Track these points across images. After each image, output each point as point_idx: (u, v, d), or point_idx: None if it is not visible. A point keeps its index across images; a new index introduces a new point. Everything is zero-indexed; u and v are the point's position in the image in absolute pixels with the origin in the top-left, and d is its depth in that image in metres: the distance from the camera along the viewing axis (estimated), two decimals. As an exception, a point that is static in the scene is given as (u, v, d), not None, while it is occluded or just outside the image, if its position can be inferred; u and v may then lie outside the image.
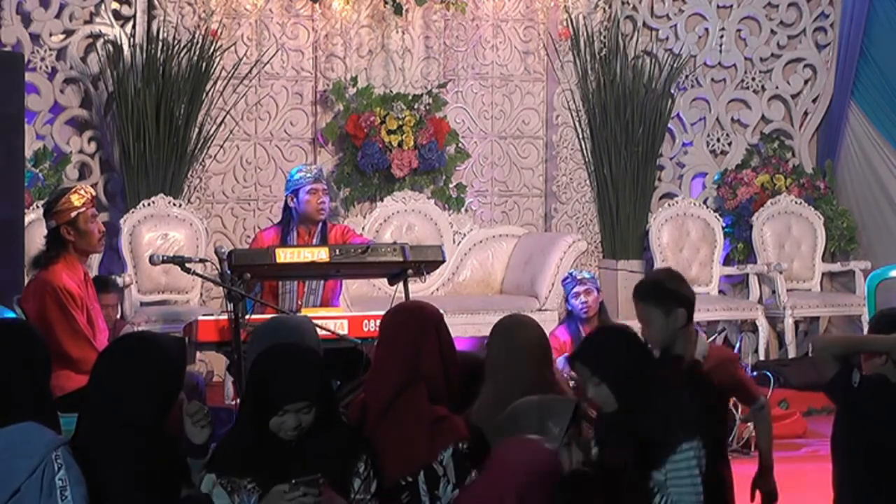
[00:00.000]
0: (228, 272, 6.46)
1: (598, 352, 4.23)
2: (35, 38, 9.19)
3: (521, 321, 4.73)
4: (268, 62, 9.53)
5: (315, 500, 3.90)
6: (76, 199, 6.12)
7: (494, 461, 3.91)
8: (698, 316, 9.55)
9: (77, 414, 5.48)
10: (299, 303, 7.52)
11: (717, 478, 4.68)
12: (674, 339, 4.70)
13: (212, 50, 9.22)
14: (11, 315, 6.10)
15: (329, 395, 4.23)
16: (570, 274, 8.44)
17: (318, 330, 6.14)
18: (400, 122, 9.46)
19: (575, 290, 8.26)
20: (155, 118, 9.05)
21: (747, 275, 10.13)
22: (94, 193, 6.32)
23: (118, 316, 8.38)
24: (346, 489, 4.17)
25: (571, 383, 5.86)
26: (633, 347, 4.25)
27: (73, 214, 6.09)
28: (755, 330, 9.94)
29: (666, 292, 4.79)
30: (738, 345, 8.73)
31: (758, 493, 4.90)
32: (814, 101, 10.63)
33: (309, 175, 7.57)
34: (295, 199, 7.56)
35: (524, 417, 4.07)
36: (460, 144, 9.89)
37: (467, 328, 8.84)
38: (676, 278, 4.94)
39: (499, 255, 9.64)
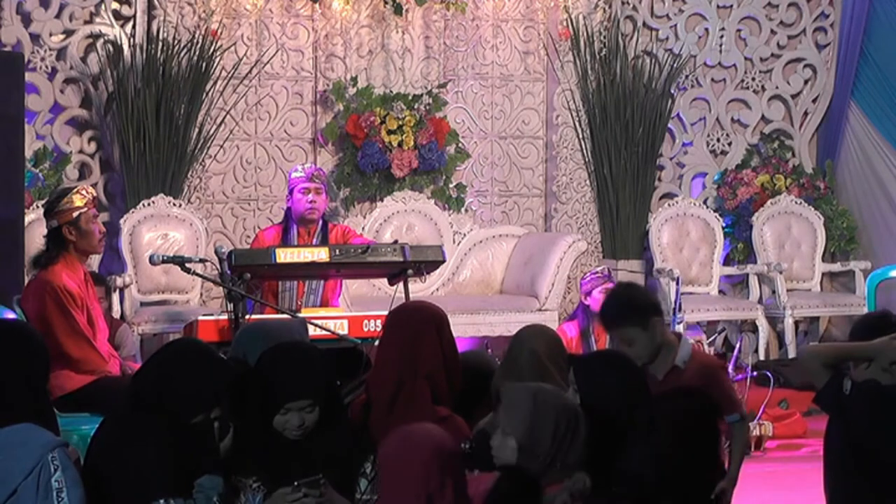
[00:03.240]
0: (228, 272, 6.48)
1: (594, 376, 4.18)
2: (35, 38, 9.19)
3: (540, 329, 4.72)
4: (268, 62, 9.53)
5: (317, 500, 3.89)
6: (78, 199, 6.12)
7: (386, 464, 3.86)
8: (699, 316, 9.69)
9: (81, 412, 5.51)
10: (299, 303, 7.53)
11: (713, 488, 4.66)
12: (658, 350, 4.65)
13: (212, 50, 9.22)
14: (11, 315, 6.10)
15: (334, 394, 4.22)
16: (601, 270, 8.44)
17: (318, 330, 6.16)
18: (400, 122, 9.46)
19: (606, 285, 8.27)
20: (155, 118, 9.05)
21: (747, 275, 10.14)
22: (95, 194, 6.32)
23: (118, 316, 8.38)
24: (352, 489, 4.17)
25: None
26: (629, 389, 4.18)
27: (75, 214, 6.09)
28: (755, 330, 9.95)
29: (637, 307, 4.69)
30: (737, 345, 8.72)
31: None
32: (814, 101, 10.63)
33: (302, 174, 7.63)
34: (290, 199, 7.63)
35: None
36: (460, 144, 9.89)
37: (467, 328, 8.84)
38: (639, 289, 4.90)
39: (499, 255, 9.64)
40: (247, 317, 6.41)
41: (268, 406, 4.10)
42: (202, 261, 7.13)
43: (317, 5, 9.61)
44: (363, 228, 9.11)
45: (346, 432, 4.19)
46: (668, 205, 10.07)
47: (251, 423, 4.13)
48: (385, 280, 7.43)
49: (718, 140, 10.54)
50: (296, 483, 3.89)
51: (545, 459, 3.86)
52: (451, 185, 9.87)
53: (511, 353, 4.60)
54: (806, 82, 10.63)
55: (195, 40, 9.19)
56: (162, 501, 3.82)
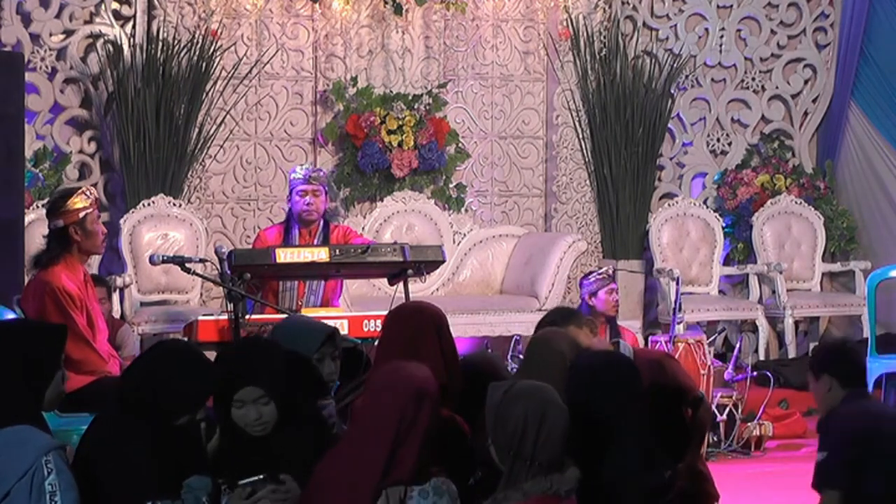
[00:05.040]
0: (228, 272, 6.48)
1: (589, 376, 4.19)
2: (35, 38, 9.19)
3: (562, 333, 4.72)
4: (268, 62, 9.53)
5: (283, 496, 3.90)
6: (83, 200, 6.13)
7: (373, 387, 3.97)
8: (699, 316, 9.69)
9: (81, 412, 5.52)
10: (299, 303, 7.54)
11: (691, 474, 4.65)
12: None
13: (212, 50, 9.22)
14: (12, 315, 6.10)
15: (294, 389, 4.19)
16: (605, 271, 8.44)
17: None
18: (400, 122, 9.46)
19: (611, 286, 8.27)
20: (155, 118, 9.05)
21: (747, 275, 10.14)
22: (98, 195, 6.33)
23: (118, 316, 8.38)
24: None
25: None
26: (622, 390, 4.18)
27: (82, 214, 6.10)
28: (755, 330, 9.95)
29: (571, 312, 5.11)
30: (737, 345, 8.72)
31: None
32: (814, 101, 10.63)
33: (300, 176, 7.64)
34: (290, 200, 7.65)
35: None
36: (460, 144, 9.89)
37: (467, 328, 8.84)
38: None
39: (499, 255, 9.64)
40: (247, 317, 6.42)
41: (224, 400, 4.10)
42: (202, 261, 7.13)
43: (317, 5, 9.61)
44: (363, 228, 9.11)
45: (308, 429, 4.17)
46: (668, 205, 10.07)
47: (219, 421, 4.14)
48: (385, 280, 7.43)
49: (718, 140, 10.54)
50: (240, 483, 3.89)
51: (508, 453, 3.84)
52: (451, 185, 9.87)
53: (535, 358, 4.56)
54: (806, 82, 10.62)
55: (195, 40, 9.18)
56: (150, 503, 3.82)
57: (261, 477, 3.91)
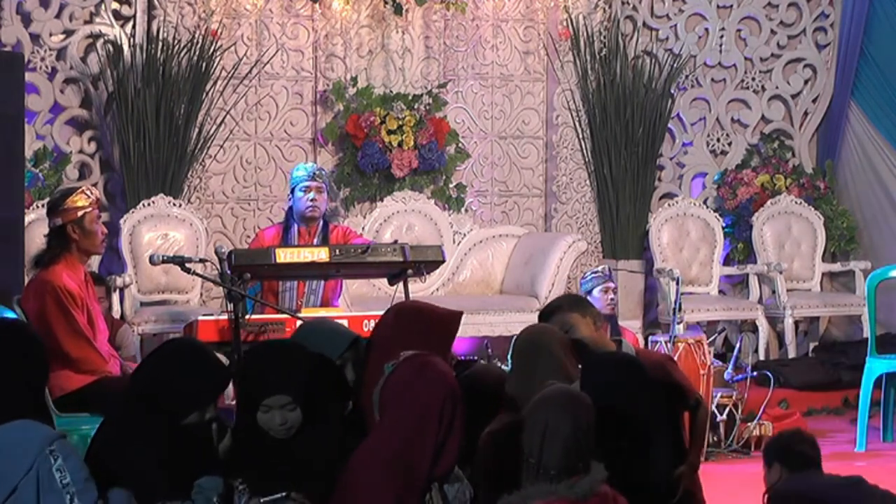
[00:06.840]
0: (228, 272, 6.48)
1: (603, 376, 4.19)
2: (35, 38, 9.19)
3: (551, 330, 4.70)
4: (268, 62, 9.53)
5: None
6: (83, 199, 6.13)
7: (399, 389, 3.98)
8: (699, 316, 9.69)
9: (81, 412, 5.53)
10: (299, 302, 7.54)
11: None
12: (596, 344, 4.71)
13: (212, 50, 9.22)
14: (11, 315, 6.10)
15: (320, 393, 4.20)
16: (601, 269, 8.43)
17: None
18: (400, 122, 9.46)
19: (606, 284, 8.27)
20: (155, 118, 9.05)
21: (747, 275, 10.14)
22: (98, 195, 6.34)
23: (118, 316, 8.39)
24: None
25: None
26: (632, 390, 4.18)
27: (80, 213, 6.10)
28: (755, 330, 9.95)
29: (580, 299, 5.09)
30: (737, 345, 8.72)
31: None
32: (814, 101, 10.63)
33: (304, 173, 7.64)
34: (291, 197, 7.65)
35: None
36: (460, 144, 9.89)
37: (467, 328, 8.82)
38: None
39: (499, 255, 9.64)
40: (247, 317, 6.42)
41: (249, 403, 4.10)
42: (202, 261, 7.13)
43: (317, 5, 9.61)
44: (363, 228, 9.10)
45: (332, 435, 4.16)
46: (668, 205, 10.07)
47: (240, 422, 4.14)
48: (385, 280, 7.44)
49: (718, 140, 10.54)
50: (262, 501, 3.90)
51: (524, 457, 3.89)
52: (451, 185, 9.87)
53: (527, 359, 4.54)
54: (806, 82, 10.62)
55: (195, 40, 9.19)
56: None
57: (283, 494, 3.92)
